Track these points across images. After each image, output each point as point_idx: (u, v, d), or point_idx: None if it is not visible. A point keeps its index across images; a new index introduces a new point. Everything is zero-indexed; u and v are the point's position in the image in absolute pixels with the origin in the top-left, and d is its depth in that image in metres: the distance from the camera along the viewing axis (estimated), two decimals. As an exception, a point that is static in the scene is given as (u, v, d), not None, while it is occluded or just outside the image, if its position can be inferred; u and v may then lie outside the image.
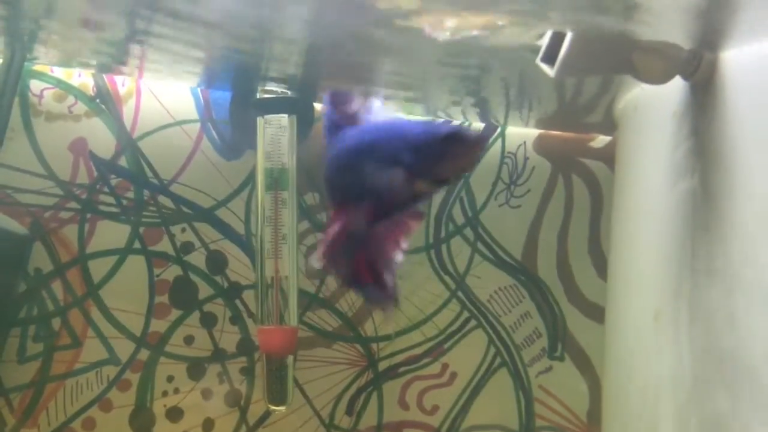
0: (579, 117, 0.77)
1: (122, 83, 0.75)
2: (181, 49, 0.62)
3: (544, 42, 0.50)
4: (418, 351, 0.81)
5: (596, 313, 0.83)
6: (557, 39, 0.49)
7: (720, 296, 0.45)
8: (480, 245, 0.82)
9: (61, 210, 0.73)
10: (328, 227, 0.43)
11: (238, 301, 0.77)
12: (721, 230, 0.46)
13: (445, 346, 0.82)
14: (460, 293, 0.82)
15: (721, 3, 0.42)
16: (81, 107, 0.74)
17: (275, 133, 0.72)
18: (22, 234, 0.71)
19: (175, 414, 0.76)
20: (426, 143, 0.41)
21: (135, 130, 0.75)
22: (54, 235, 0.73)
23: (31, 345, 0.73)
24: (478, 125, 0.81)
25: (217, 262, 0.77)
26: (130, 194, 0.75)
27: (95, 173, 0.74)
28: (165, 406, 0.76)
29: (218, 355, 0.77)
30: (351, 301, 0.79)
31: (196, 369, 0.76)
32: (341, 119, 0.47)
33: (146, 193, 0.75)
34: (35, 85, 0.73)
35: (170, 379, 0.76)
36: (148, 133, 0.76)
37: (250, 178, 0.77)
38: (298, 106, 0.73)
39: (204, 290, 0.77)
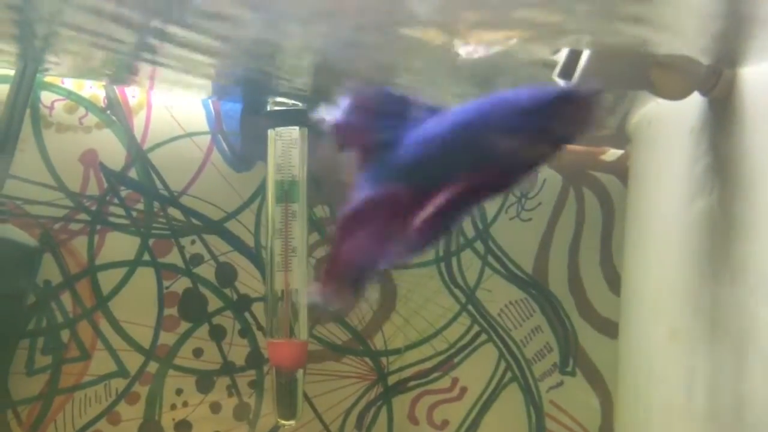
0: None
1: (133, 95, 0.75)
2: (192, 61, 0.62)
3: (561, 58, 0.49)
4: (427, 365, 0.81)
5: (608, 328, 0.82)
6: (574, 55, 0.49)
7: (739, 318, 0.45)
8: (490, 258, 0.82)
9: (70, 221, 0.73)
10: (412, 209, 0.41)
11: (247, 314, 0.77)
12: (741, 249, 0.45)
13: (455, 360, 0.81)
14: (470, 307, 0.81)
15: (740, 20, 0.42)
16: (92, 119, 0.74)
17: (286, 145, 0.72)
18: (32, 245, 0.70)
19: (183, 427, 0.75)
20: (539, 108, 0.40)
21: (145, 141, 0.75)
22: (63, 246, 0.73)
23: (40, 357, 0.72)
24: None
25: (226, 274, 0.77)
26: (140, 206, 0.75)
27: (105, 185, 0.74)
28: (174, 419, 0.75)
29: (227, 368, 0.76)
30: (361, 314, 0.79)
31: (204, 382, 0.76)
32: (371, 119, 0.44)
33: (156, 204, 0.75)
34: (46, 96, 0.73)
35: (179, 392, 0.75)
36: (158, 145, 0.75)
37: (260, 191, 0.77)
38: (309, 119, 0.73)
39: (213, 303, 0.76)
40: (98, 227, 0.74)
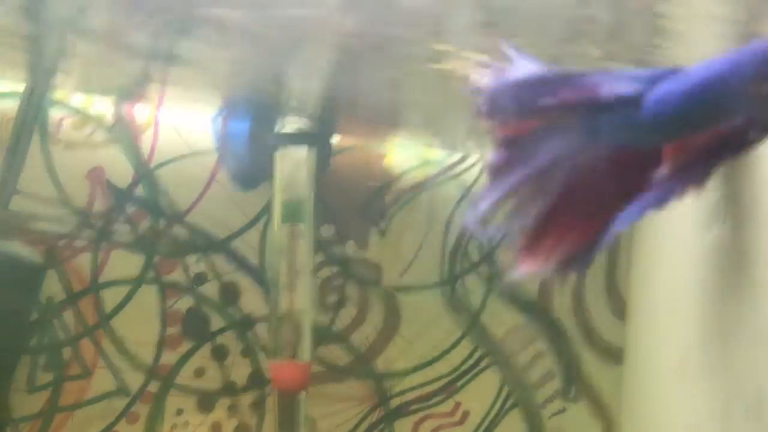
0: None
1: (140, 113, 0.75)
2: (201, 80, 0.62)
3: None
4: (430, 389, 0.80)
5: (612, 353, 0.81)
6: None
7: (753, 346, 0.44)
8: (495, 283, 0.81)
9: (75, 238, 0.73)
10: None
11: (250, 334, 0.76)
12: (755, 276, 0.45)
13: (458, 384, 0.81)
14: (473, 331, 0.81)
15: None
16: (99, 136, 0.74)
17: (292, 165, 0.72)
18: (35, 262, 0.70)
19: (184, 448, 0.74)
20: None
21: (152, 159, 0.75)
22: (67, 263, 0.73)
23: (41, 374, 0.72)
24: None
25: (230, 293, 0.76)
26: (146, 223, 0.74)
27: (111, 202, 0.74)
28: (174, 439, 0.74)
29: (229, 388, 0.76)
30: (364, 335, 0.79)
31: (206, 402, 0.75)
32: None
33: (162, 222, 0.75)
34: (54, 113, 0.73)
35: (180, 411, 0.75)
36: (164, 163, 0.75)
37: (266, 210, 0.77)
38: (316, 140, 0.72)
39: (216, 322, 0.76)
40: (103, 244, 0.74)
